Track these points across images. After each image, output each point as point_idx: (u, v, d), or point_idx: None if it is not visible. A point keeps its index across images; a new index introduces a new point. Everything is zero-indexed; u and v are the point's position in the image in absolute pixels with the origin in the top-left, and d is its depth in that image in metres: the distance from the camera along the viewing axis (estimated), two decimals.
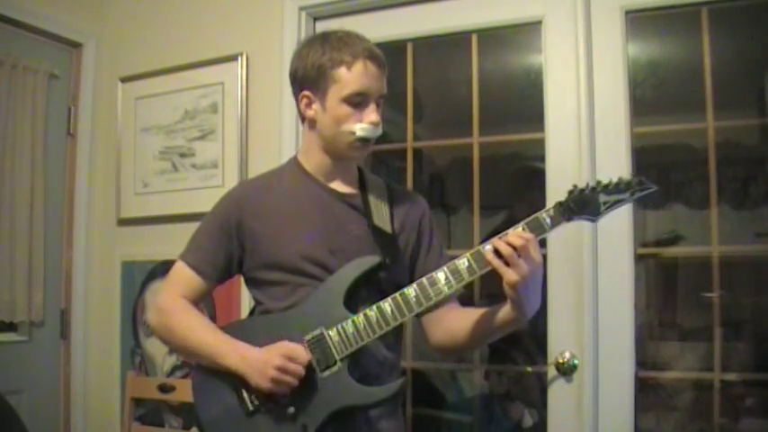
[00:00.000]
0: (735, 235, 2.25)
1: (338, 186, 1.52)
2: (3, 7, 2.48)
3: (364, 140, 1.44)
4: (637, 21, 2.05)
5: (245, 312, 1.62)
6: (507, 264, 1.28)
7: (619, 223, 1.98)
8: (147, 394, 2.49)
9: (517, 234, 1.30)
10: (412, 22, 2.32)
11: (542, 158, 2.12)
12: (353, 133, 1.43)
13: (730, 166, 2.46)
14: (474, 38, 2.26)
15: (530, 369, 2.34)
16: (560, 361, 2.01)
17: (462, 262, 1.34)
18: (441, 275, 1.35)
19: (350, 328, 1.38)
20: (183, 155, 2.62)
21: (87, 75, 2.80)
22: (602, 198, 1.31)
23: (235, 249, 1.49)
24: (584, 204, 1.31)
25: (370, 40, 1.48)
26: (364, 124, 1.43)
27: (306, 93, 1.47)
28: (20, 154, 2.54)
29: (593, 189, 1.32)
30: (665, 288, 2.67)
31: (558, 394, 2.03)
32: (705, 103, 1.98)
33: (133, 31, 2.79)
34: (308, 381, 1.37)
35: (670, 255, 2.51)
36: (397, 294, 1.37)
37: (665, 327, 2.62)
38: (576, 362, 1.99)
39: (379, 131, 1.46)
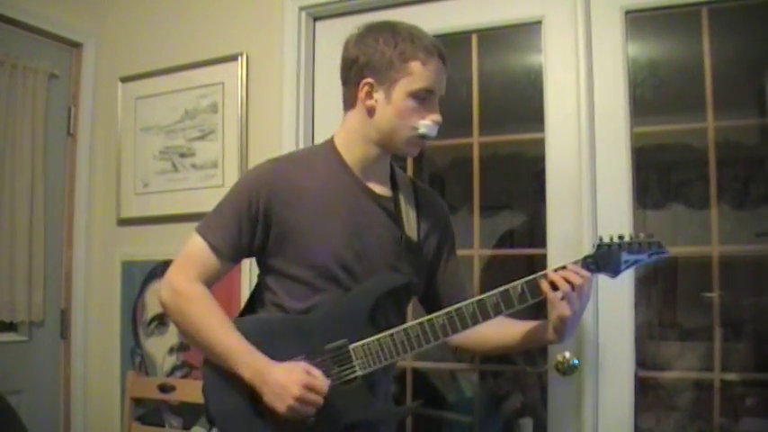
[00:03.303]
0: (735, 235, 2.25)
1: (374, 185, 1.48)
2: (3, 7, 2.48)
3: (423, 137, 1.43)
4: (637, 21, 2.05)
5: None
6: (562, 297, 1.32)
7: (618, 224, 1.98)
8: (147, 394, 2.49)
9: (574, 271, 1.33)
10: (412, 22, 2.30)
11: (542, 159, 2.12)
12: (416, 129, 1.41)
13: (730, 166, 2.46)
14: (474, 38, 2.26)
15: (530, 369, 2.34)
16: (560, 361, 2.01)
17: (491, 297, 1.36)
18: (469, 309, 1.37)
19: (375, 347, 1.37)
20: (183, 155, 2.62)
21: (87, 75, 2.80)
22: (624, 257, 1.36)
23: (259, 233, 1.43)
24: (607, 262, 1.36)
25: None
26: (427, 121, 1.41)
27: (369, 80, 1.42)
28: (20, 154, 2.54)
29: (619, 246, 1.35)
30: (665, 288, 2.67)
31: (558, 394, 2.03)
32: (705, 103, 1.98)
33: (133, 31, 2.79)
34: (329, 392, 1.34)
35: (670, 255, 2.50)
36: (424, 320, 1.38)
37: (665, 327, 2.62)
38: (576, 362, 1.99)
39: (437, 130, 1.45)
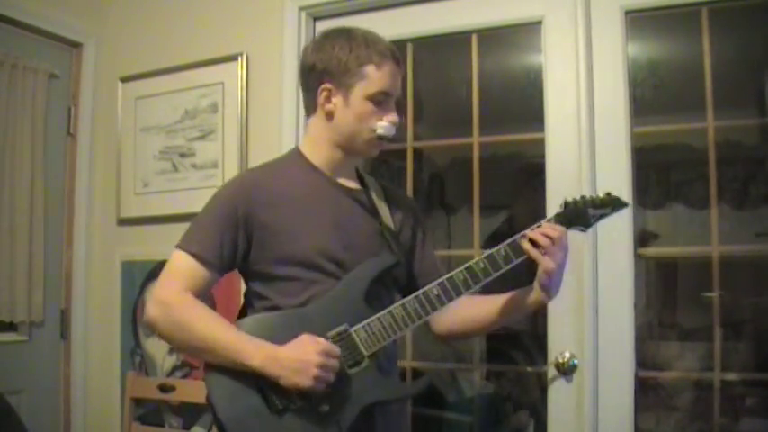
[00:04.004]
0: (735, 235, 2.25)
1: (344, 182, 1.52)
2: (3, 7, 2.48)
3: (382, 138, 1.47)
4: (637, 21, 2.05)
5: None
6: (543, 252, 1.38)
7: (619, 223, 1.98)
8: (147, 394, 2.49)
9: (551, 226, 1.40)
10: (412, 22, 2.32)
11: (542, 158, 2.12)
12: (374, 131, 1.45)
13: (730, 166, 2.46)
14: (474, 38, 2.26)
15: (530, 369, 2.34)
16: (560, 361, 2.01)
17: (478, 263, 1.41)
18: (460, 276, 1.41)
19: (376, 326, 1.40)
20: (183, 155, 2.62)
21: (87, 75, 2.80)
22: (591, 212, 1.44)
23: (241, 241, 1.44)
24: (577, 216, 1.43)
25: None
26: (385, 123, 1.45)
27: (327, 86, 1.46)
28: (20, 154, 2.53)
29: (584, 202, 1.43)
30: (665, 288, 2.67)
31: (558, 394, 2.03)
32: (705, 103, 1.98)
33: (133, 31, 2.79)
34: (339, 378, 1.36)
35: (670, 255, 2.51)
36: (419, 293, 1.41)
37: (665, 327, 2.62)
38: (575, 362, 1.99)
39: (394, 131, 1.49)
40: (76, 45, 2.78)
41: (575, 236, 1.89)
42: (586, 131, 2.03)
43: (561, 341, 2.03)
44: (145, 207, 2.69)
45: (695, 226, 2.55)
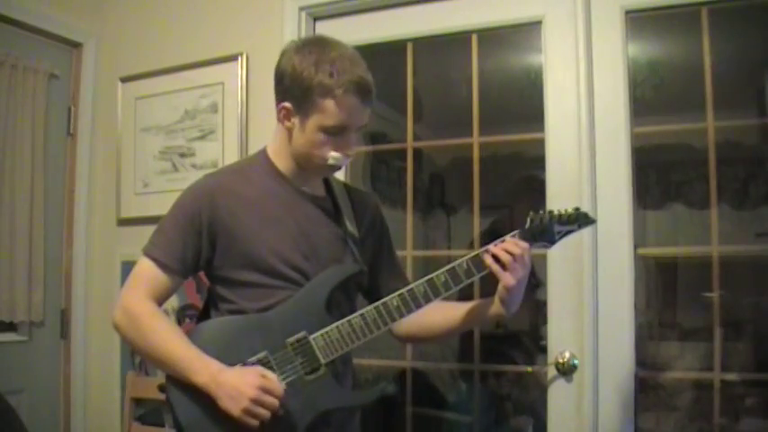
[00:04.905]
0: (735, 235, 2.25)
1: (309, 189, 1.52)
2: (3, 7, 2.48)
3: (334, 167, 1.46)
4: (637, 21, 2.05)
5: None
6: (504, 268, 1.38)
7: (619, 223, 1.98)
8: (147, 394, 2.49)
9: (513, 243, 1.39)
10: (412, 22, 2.32)
11: (542, 159, 2.12)
12: (326, 160, 1.43)
13: (730, 166, 2.46)
14: (474, 38, 2.26)
15: (530, 369, 2.34)
16: (560, 361, 2.01)
17: (439, 276, 1.41)
18: (420, 288, 1.42)
19: (335, 334, 1.41)
20: (183, 155, 2.62)
21: (87, 75, 2.80)
22: (556, 228, 1.43)
23: (204, 246, 1.45)
24: (542, 232, 1.43)
25: (362, 62, 1.42)
26: (338, 154, 1.42)
27: (286, 105, 1.44)
28: (20, 154, 2.54)
29: (550, 219, 1.42)
30: (665, 288, 2.67)
31: (558, 394, 2.03)
32: (705, 103, 1.98)
33: (133, 31, 2.79)
34: (294, 384, 1.38)
35: (670, 255, 2.51)
36: (379, 304, 1.42)
37: (665, 327, 2.62)
38: (576, 362, 1.99)
39: (348, 161, 1.48)
40: (76, 45, 2.78)
41: (574, 234, 1.89)
42: (586, 131, 2.03)
43: (561, 341, 2.03)
44: (145, 207, 2.68)
45: (695, 226, 2.55)
